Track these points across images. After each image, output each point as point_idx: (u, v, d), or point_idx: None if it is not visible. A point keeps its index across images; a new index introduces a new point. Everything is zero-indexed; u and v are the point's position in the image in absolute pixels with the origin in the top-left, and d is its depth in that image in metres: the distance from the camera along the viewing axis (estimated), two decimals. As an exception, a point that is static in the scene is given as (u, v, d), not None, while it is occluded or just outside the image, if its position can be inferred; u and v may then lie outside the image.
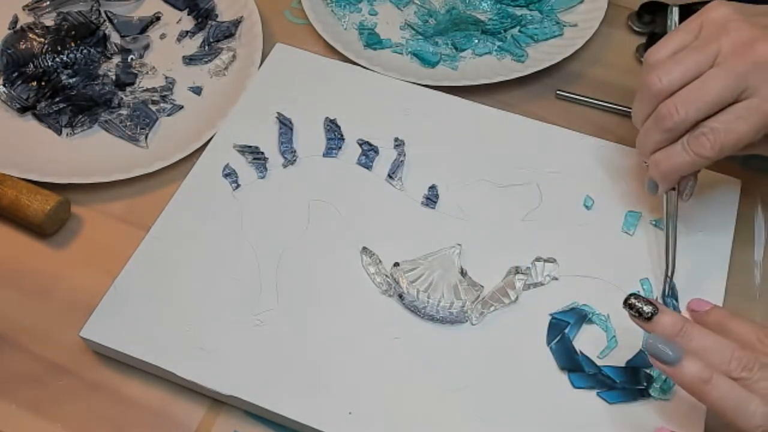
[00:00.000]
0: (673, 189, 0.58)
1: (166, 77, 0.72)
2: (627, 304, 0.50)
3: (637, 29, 0.77)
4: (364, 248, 0.60)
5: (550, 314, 0.57)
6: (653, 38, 0.73)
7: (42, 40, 0.73)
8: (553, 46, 0.73)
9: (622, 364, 0.55)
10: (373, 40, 0.74)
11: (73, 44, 0.73)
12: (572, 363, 0.55)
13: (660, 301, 0.57)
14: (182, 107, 0.70)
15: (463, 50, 0.73)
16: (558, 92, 0.72)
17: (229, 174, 0.64)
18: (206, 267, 0.59)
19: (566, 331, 0.57)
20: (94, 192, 0.65)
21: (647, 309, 0.49)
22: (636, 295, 0.50)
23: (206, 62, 0.73)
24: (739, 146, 0.53)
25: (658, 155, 0.56)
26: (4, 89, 0.70)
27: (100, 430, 0.55)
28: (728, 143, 0.53)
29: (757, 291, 0.61)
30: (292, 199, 0.63)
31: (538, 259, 0.60)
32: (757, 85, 0.52)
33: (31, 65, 0.72)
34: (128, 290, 0.58)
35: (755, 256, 0.63)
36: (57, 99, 0.70)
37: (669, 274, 0.58)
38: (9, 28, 0.75)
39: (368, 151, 0.65)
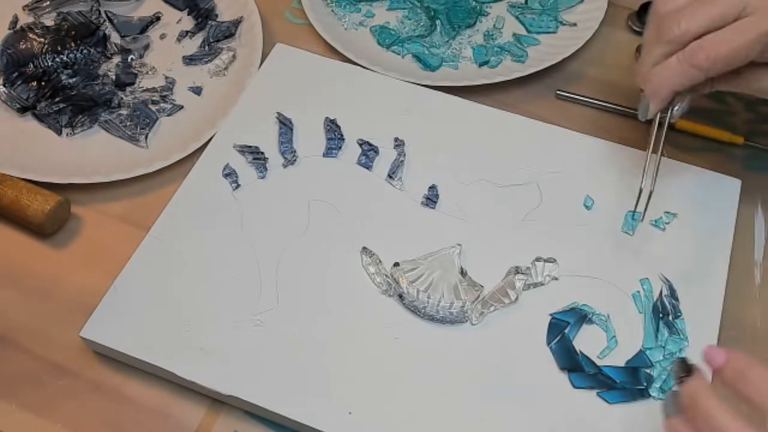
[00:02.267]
0: (664, 113, 0.58)
1: (166, 77, 0.72)
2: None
3: (637, 29, 0.76)
4: (364, 248, 0.60)
5: (550, 314, 0.57)
6: (653, 38, 0.74)
7: (42, 40, 0.73)
8: (553, 47, 0.73)
9: (622, 364, 0.55)
10: (390, 40, 0.74)
11: (73, 44, 0.73)
12: (572, 363, 0.55)
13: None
14: (182, 107, 0.70)
15: (460, 31, 0.74)
16: (558, 92, 0.72)
17: (229, 174, 0.64)
18: (206, 267, 0.59)
19: (566, 331, 0.57)
20: (94, 192, 0.65)
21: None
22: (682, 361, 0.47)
23: (206, 62, 0.73)
24: (733, 61, 0.54)
25: (654, 69, 0.56)
26: (4, 89, 0.70)
27: (100, 430, 0.55)
28: (721, 54, 0.53)
29: (757, 291, 0.61)
30: (292, 199, 0.63)
31: (538, 259, 0.60)
32: (757, 4, 0.53)
33: (31, 65, 0.71)
34: (128, 290, 0.58)
35: (755, 256, 0.63)
36: (57, 99, 0.70)
37: (651, 189, 0.57)
38: (9, 28, 0.75)
39: (368, 151, 0.65)
